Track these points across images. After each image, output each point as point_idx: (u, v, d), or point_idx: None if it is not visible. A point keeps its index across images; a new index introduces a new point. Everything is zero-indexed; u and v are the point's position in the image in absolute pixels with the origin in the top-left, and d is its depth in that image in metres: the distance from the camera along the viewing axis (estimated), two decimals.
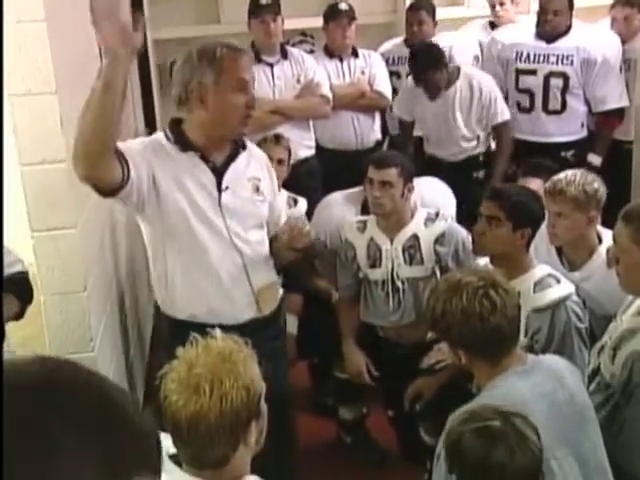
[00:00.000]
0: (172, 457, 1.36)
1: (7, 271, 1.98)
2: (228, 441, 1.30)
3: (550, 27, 3.85)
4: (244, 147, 2.21)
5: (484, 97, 3.76)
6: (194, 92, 2.01)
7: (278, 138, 3.20)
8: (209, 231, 2.10)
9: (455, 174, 3.60)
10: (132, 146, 2.00)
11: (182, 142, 2.07)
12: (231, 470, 1.33)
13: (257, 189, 2.22)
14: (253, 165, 2.24)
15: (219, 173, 2.11)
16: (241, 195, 2.17)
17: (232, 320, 2.11)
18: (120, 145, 1.89)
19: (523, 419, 1.47)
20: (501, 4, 4.23)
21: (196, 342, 1.33)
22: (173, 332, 2.12)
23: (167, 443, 1.36)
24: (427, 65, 3.70)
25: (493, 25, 4.39)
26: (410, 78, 3.93)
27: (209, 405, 1.27)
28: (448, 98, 3.78)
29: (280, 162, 3.16)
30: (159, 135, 2.13)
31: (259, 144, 3.21)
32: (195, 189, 2.08)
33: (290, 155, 3.23)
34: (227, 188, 2.12)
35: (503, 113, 3.81)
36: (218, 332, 1.37)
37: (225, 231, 2.13)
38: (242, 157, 2.19)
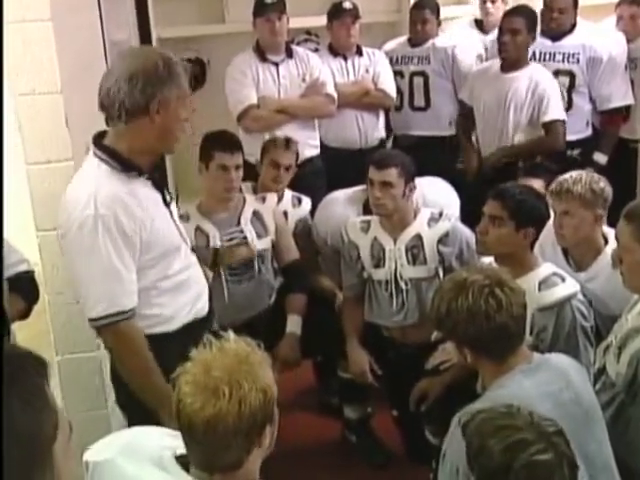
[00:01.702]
0: (179, 458, 1.34)
1: (13, 270, 1.98)
2: (244, 444, 1.29)
3: (556, 25, 3.84)
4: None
5: (537, 93, 3.65)
6: (156, 105, 1.86)
7: (289, 143, 3.19)
8: (177, 245, 2.06)
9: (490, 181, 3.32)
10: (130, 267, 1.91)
11: (132, 167, 1.93)
12: (243, 474, 1.31)
13: None
14: None
15: (160, 189, 2.04)
16: (170, 203, 2.11)
17: (204, 312, 2.13)
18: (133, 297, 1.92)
19: (559, 435, 1.43)
20: (492, 1, 4.22)
21: (210, 344, 1.31)
22: (170, 344, 2.01)
23: (175, 443, 1.34)
24: (517, 13, 3.66)
25: (479, 23, 4.37)
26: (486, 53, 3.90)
27: (227, 408, 1.24)
28: (508, 82, 3.69)
29: (288, 169, 3.15)
30: (102, 166, 1.90)
31: (267, 147, 3.20)
32: (159, 213, 2.01)
33: (297, 159, 3.23)
34: (171, 199, 2.09)
35: (554, 112, 3.65)
36: (231, 334, 1.35)
37: (183, 241, 2.10)
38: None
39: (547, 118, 3.66)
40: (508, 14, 3.74)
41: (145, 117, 1.86)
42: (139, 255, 1.91)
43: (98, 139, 1.94)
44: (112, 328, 1.91)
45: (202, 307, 2.13)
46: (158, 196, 2.02)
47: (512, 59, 3.69)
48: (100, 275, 1.87)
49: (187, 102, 1.94)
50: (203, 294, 2.15)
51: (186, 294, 2.06)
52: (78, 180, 1.95)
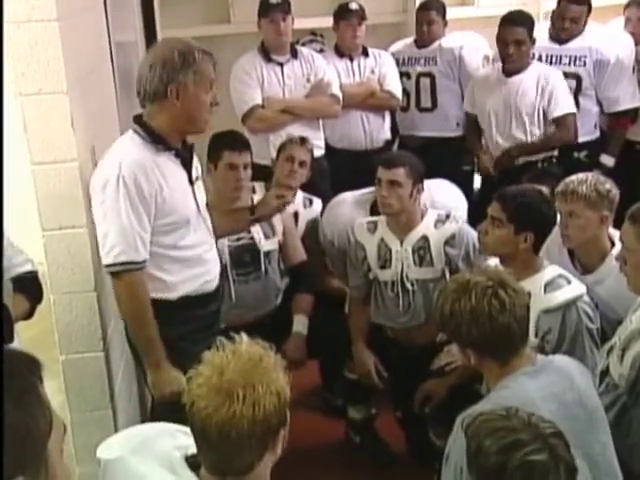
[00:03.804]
0: (190, 459, 1.33)
1: (17, 271, 1.99)
2: (257, 448, 1.27)
3: (566, 34, 3.83)
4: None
5: (547, 89, 3.65)
6: (174, 91, 2.11)
7: (303, 140, 3.24)
8: (193, 221, 2.24)
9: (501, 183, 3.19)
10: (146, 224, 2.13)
11: (161, 141, 2.17)
12: (254, 478, 1.30)
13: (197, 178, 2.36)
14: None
15: (187, 168, 2.25)
16: (198, 184, 2.33)
17: (214, 285, 2.33)
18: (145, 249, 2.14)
19: (557, 436, 1.42)
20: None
21: (223, 346, 1.30)
22: (174, 312, 2.23)
23: (188, 442, 1.33)
24: (518, 23, 3.62)
25: None
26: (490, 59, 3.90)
27: (242, 411, 1.23)
28: (514, 85, 3.70)
29: (302, 164, 3.18)
30: (134, 138, 2.16)
31: (284, 145, 3.22)
32: (180, 188, 2.21)
33: (312, 158, 3.24)
34: (197, 179, 2.31)
35: (564, 106, 3.66)
36: (244, 337, 1.33)
37: (202, 219, 2.29)
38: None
39: (558, 113, 3.66)
40: (508, 24, 3.66)
41: (165, 100, 2.12)
42: (154, 219, 2.14)
43: (137, 117, 2.21)
44: (121, 275, 2.14)
45: (209, 282, 2.31)
46: (184, 173, 2.23)
47: (517, 67, 3.70)
48: (116, 227, 2.10)
49: (208, 86, 2.16)
50: (212, 271, 2.33)
51: (194, 269, 2.26)
52: (113, 148, 2.20)
